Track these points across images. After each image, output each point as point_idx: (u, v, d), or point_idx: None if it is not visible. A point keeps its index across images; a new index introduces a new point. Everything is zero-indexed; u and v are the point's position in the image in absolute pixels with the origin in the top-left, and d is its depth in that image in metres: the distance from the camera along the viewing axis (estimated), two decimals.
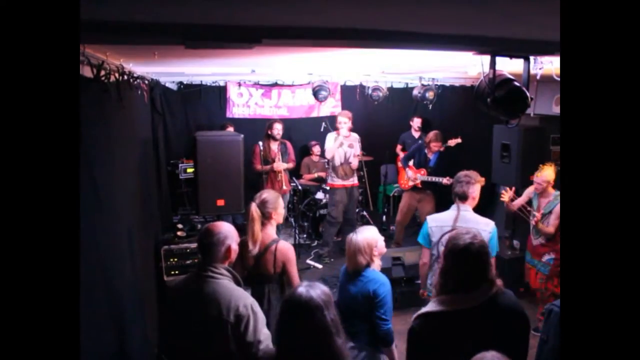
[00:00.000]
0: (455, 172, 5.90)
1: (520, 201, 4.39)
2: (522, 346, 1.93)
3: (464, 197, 3.29)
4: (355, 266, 2.76)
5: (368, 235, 2.79)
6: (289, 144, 6.22)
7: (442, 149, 5.79)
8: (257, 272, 2.90)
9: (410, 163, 5.93)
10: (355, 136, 5.90)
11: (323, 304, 1.68)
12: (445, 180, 5.56)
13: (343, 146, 5.80)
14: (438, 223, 3.30)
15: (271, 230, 2.97)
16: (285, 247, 2.91)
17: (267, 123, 6.11)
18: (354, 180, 5.98)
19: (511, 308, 1.93)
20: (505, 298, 1.94)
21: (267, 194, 3.00)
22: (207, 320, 2.09)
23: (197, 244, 2.29)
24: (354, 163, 5.88)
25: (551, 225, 4.06)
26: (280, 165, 5.86)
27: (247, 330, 2.06)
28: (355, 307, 2.75)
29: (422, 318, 1.94)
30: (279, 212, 3.00)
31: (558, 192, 4.11)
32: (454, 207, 3.33)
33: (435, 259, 3.21)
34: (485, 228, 3.13)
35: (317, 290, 1.71)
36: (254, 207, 2.89)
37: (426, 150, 5.82)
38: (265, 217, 2.93)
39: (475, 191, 3.32)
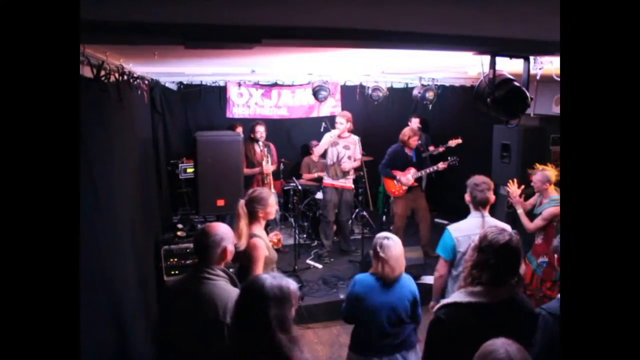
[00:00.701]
0: (454, 173, 5.95)
1: (531, 201, 4.38)
2: (529, 343, 1.99)
3: (486, 203, 3.23)
4: (395, 273, 2.72)
5: (400, 244, 2.79)
6: (272, 146, 6.17)
7: (417, 145, 5.79)
8: (244, 266, 2.94)
9: (389, 170, 5.85)
10: (354, 138, 5.84)
11: (272, 296, 1.67)
12: (441, 165, 5.65)
13: (338, 146, 5.78)
14: (464, 232, 3.13)
15: (257, 229, 2.99)
16: (253, 243, 2.91)
17: (249, 125, 6.02)
18: (345, 183, 5.88)
19: (526, 306, 2.04)
20: (522, 297, 2.06)
21: (258, 192, 3.03)
22: (204, 321, 2.09)
23: (194, 245, 2.30)
24: (345, 165, 5.78)
25: (533, 223, 4.07)
26: (268, 167, 5.84)
27: None
28: (399, 312, 2.74)
29: (449, 307, 1.98)
30: (268, 210, 3.02)
31: (556, 197, 4.06)
32: (476, 214, 3.22)
33: (459, 270, 3.11)
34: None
35: (274, 282, 1.71)
36: (240, 204, 2.95)
37: (406, 150, 5.78)
38: (253, 215, 2.96)
39: (493, 197, 3.30)
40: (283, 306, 1.69)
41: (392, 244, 2.73)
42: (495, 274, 1.95)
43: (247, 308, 1.72)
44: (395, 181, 5.79)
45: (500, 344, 1.41)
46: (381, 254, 2.71)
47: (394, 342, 2.75)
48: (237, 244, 2.83)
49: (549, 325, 1.99)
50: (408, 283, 2.79)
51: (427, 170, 5.74)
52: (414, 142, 5.73)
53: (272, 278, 1.74)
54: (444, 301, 2.03)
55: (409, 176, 5.73)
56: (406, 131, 5.77)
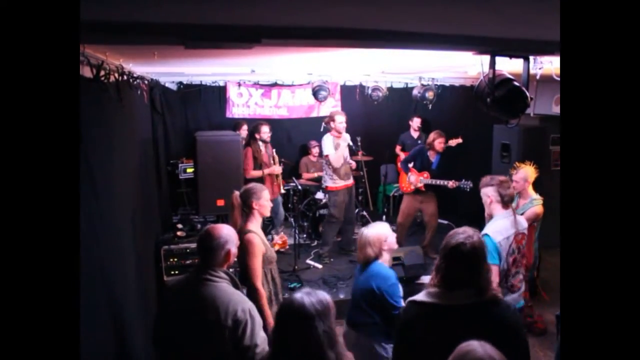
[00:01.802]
0: (455, 173, 5.94)
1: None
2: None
3: (512, 201, 3.20)
4: (364, 258, 2.91)
5: (379, 230, 2.95)
6: (271, 148, 6.04)
7: (443, 149, 5.74)
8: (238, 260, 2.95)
9: (411, 165, 5.89)
10: (346, 136, 5.84)
11: (315, 313, 1.64)
12: (450, 183, 5.51)
13: (342, 147, 5.78)
14: (503, 235, 3.01)
15: (253, 225, 3.01)
16: (247, 239, 2.91)
17: (252, 126, 5.86)
18: (352, 180, 5.97)
19: (500, 318, 1.86)
20: (498, 308, 1.88)
21: (252, 185, 3.07)
22: (205, 323, 2.08)
23: (197, 246, 2.28)
24: (353, 163, 5.87)
25: None
26: (278, 168, 5.79)
27: (244, 335, 2.06)
28: (359, 298, 2.91)
29: (409, 304, 2.00)
30: (262, 203, 3.03)
31: (536, 197, 4.00)
32: (507, 213, 3.10)
33: (505, 272, 3.06)
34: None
35: (312, 298, 1.68)
36: (235, 195, 3.02)
37: (429, 153, 5.75)
38: (247, 207, 3.00)
39: None
40: (328, 320, 1.67)
41: (362, 232, 2.97)
42: (446, 277, 1.90)
43: (294, 332, 1.66)
44: (407, 177, 5.83)
45: (476, 344, 1.40)
46: (357, 240, 3.00)
47: (368, 322, 2.87)
48: None
49: None
50: (374, 277, 2.83)
51: (437, 182, 5.68)
52: (439, 144, 5.65)
53: (307, 295, 1.70)
54: (410, 298, 2.02)
55: (421, 178, 5.71)
56: (433, 134, 5.73)
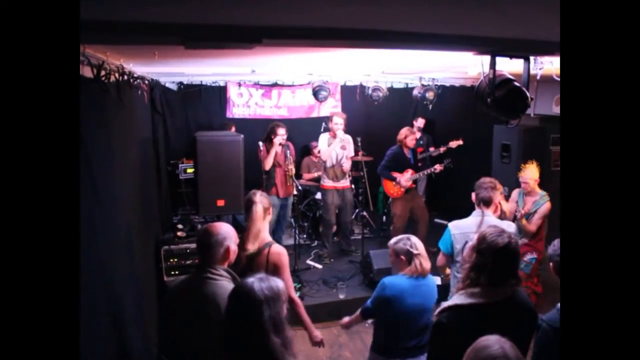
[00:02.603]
0: (455, 173, 5.95)
1: (511, 209, 4.36)
2: (528, 342, 2.03)
3: (489, 203, 3.28)
4: (425, 270, 2.74)
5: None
6: (291, 145, 6.00)
7: (414, 145, 5.85)
8: (249, 272, 2.82)
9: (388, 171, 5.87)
10: (348, 138, 5.83)
11: (264, 298, 1.65)
12: (437, 167, 5.73)
13: (335, 147, 5.76)
14: (461, 230, 3.22)
15: (266, 231, 2.89)
16: (277, 251, 2.79)
17: (270, 127, 5.78)
18: (345, 183, 5.89)
19: (526, 304, 2.05)
20: (521, 294, 2.07)
21: (260, 193, 2.95)
22: (206, 321, 2.08)
23: (196, 244, 2.29)
24: (346, 165, 5.81)
25: (533, 223, 4.11)
26: (293, 169, 5.70)
27: None
28: (428, 314, 2.74)
29: (450, 311, 1.98)
30: (271, 210, 2.98)
31: (544, 193, 4.18)
32: (477, 213, 3.29)
33: (459, 265, 3.10)
34: (509, 230, 3.24)
35: (262, 284, 1.69)
36: (260, 204, 2.81)
37: (404, 150, 5.80)
38: (265, 215, 2.86)
39: (497, 197, 3.35)
40: (276, 307, 1.67)
41: (419, 242, 2.80)
42: (493, 276, 1.95)
43: (240, 314, 1.69)
44: (394, 183, 5.81)
45: (494, 339, 1.42)
46: (414, 251, 2.73)
47: (420, 344, 2.74)
48: (248, 248, 2.74)
49: (549, 339, 1.96)
50: (433, 282, 2.81)
51: (425, 172, 5.76)
52: (412, 141, 5.76)
53: (259, 280, 1.71)
54: (444, 304, 2.02)
55: (407, 177, 5.76)
56: (403, 131, 5.80)
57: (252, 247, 2.76)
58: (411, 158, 5.84)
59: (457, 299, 1.99)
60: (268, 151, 5.65)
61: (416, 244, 2.76)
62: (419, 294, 2.70)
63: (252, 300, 1.65)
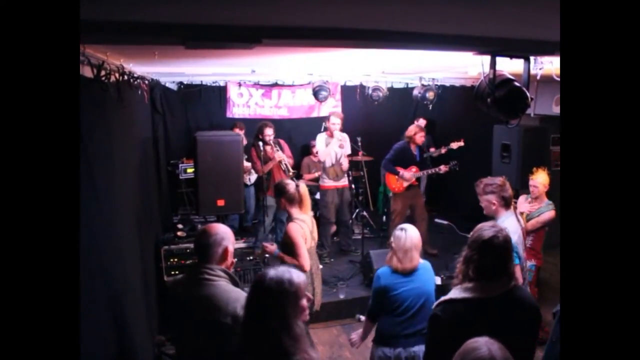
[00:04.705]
0: (455, 174, 5.94)
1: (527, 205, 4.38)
2: (533, 339, 2.03)
3: (512, 199, 3.23)
4: (413, 262, 2.79)
5: (417, 232, 2.85)
6: (283, 142, 6.02)
7: (423, 142, 5.84)
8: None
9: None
10: (345, 136, 5.85)
11: (270, 290, 1.64)
12: (442, 168, 5.68)
13: (333, 146, 5.77)
14: (516, 233, 3.01)
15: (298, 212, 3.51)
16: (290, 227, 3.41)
17: (257, 127, 5.81)
18: (344, 181, 5.90)
19: (527, 302, 2.04)
20: (522, 292, 2.08)
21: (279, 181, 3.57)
22: (204, 322, 2.08)
23: (194, 245, 2.29)
24: (345, 164, 5.84)
25: (529, 224, 4.10)
26: (280, 154, 5.69)
27: None
28: (424, 299, 2.78)
29: (445, 304, 2.01)
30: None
31: (550, 202, 4.17)
32: (509, 214, 3.15)
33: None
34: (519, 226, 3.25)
35: (273, 275, 1.68)
36: (304, 186, 3.54)
37: (412, 147, 5.80)
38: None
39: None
40: (282, 302, 1.65)
41: (402, 235, 2.79)
42: (480, 269, 1.96)
43: (250, 305, 1.70)
44: (397, 177, 5.81)
45: (483, 342, 1.42)
46: (392, 245, 2.82)
47: (421, 330, 2.74)
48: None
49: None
50: (431, 271, 2.85)
51: (429, 172, 5.75)
52: (420, 138, 5.75)
53: (274, 271, 1.70)
54: (442, 299, 2.05)
55: (411, 173, 5.76)
56: (412, 128, 5.81)
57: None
58: (417, 155, 5.83)
59: (452, 293, 2.02)
60: (258, 154, 5.65)
61: (400, 237, 2.79)
62: (415, 279, 2.79)
63: (260, 290, 1.66)
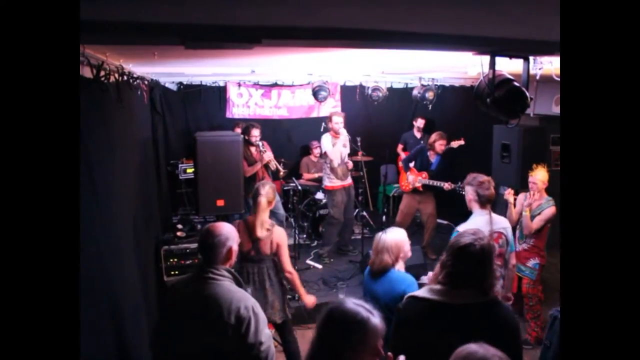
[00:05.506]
0: (455, 174, 5.94)
1: (518, 210, 4.39)
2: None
3: (491, 201, 3.26)
4: (381, 264, 2.75)
5: (397, 237, 2.79)
6: (265, 143, 5.93)
7: (443, 151, 5.77)
8: (256, 253, 3.33)
9: (412, 165, 5.91)
10: (346, 135, 5.86)
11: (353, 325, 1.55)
12: (446, 185, 5.53)
13: (339, 147, 5.77)
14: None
15: (267, 215, 3.39)
16: (280, 231, 3.35)
17: (243, 128, 5.78)
18: (350, 180, 5.97)
19: (501, 319, 1.89)
20: (500, 308, 1.93)
21: (269, 185, 3.40)
22: (208, 322, 2.08)
23: (198, 245, 2.28)
24: (350, 163, 5.89)
25: (535, 222, 4.11)
26: (269, 155, 5.68)
27: (248, 332, 2.06)
28: (383, 306, 2.67)
29: (410, 299, 2.01)
30: (275, 201, 3.47)
31: (550, 198, 4.19)
32: (482, 213, 3.21)
33: None
34: (506, 225, 3.32)
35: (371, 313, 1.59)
36: (265, 197, 3.31)
37: (429, 153, 5.79)
38: (268, 206, 3.36)
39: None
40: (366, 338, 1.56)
41: (380, 238, 2.80)
42: (449, 275, 1.92)
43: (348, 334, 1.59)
44: (407, 176, 5.88)
45: (475, 346, 1.40)
46: (373, 244, 2.87)
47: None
48: (259, 235, 3.28)
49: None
50: (399, 282, 2.69)
51: (433, 183, 5.70)
52: (440, 146, 5.70)
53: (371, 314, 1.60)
54: (410, 293, 2.05)
55: (419, 178, 5.76)
56: (435, 135, 5.78)
57: (261, 233, 3.28)
58: (434, 164, 5.78)
59: (420, 290, 2.01)
60: (244, 156, 5.62)
61: (376, 237, 2.83)
62: (379, 285, 2.75)
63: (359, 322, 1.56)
